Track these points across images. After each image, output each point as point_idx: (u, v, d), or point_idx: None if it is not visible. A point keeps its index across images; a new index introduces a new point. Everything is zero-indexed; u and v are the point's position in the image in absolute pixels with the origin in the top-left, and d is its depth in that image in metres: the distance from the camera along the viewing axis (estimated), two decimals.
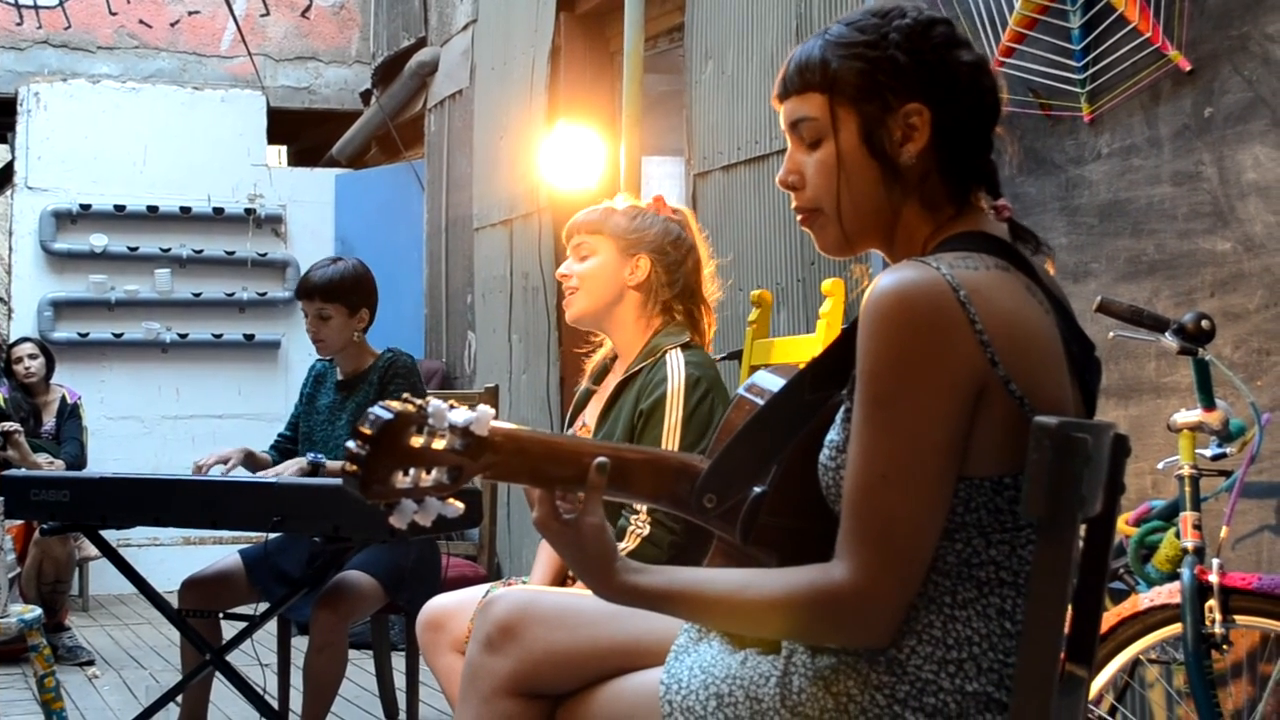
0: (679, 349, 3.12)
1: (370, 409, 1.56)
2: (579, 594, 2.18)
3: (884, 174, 1.79)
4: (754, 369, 2.80)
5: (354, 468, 1.53)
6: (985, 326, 1.63)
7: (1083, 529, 1.87)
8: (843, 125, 1.80)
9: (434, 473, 1.59)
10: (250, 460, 4.36)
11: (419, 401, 1.58)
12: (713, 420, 3.03)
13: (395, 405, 1.56)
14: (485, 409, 1.62)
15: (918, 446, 1.63)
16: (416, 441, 1.57)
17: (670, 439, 3.02)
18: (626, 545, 2.96)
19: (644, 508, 2.93)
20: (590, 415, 3.27)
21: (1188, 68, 3.39)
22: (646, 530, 2.95)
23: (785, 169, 1.86)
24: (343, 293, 4.46)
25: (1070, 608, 1.85)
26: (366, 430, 1.53)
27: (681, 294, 3.23)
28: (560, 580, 3.14)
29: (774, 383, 1.96)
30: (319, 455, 4.27)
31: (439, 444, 1.59)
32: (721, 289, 3.35)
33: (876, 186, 1.80)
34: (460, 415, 1.60)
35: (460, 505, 1.62)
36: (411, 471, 1.57)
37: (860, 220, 1.82)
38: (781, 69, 1.87)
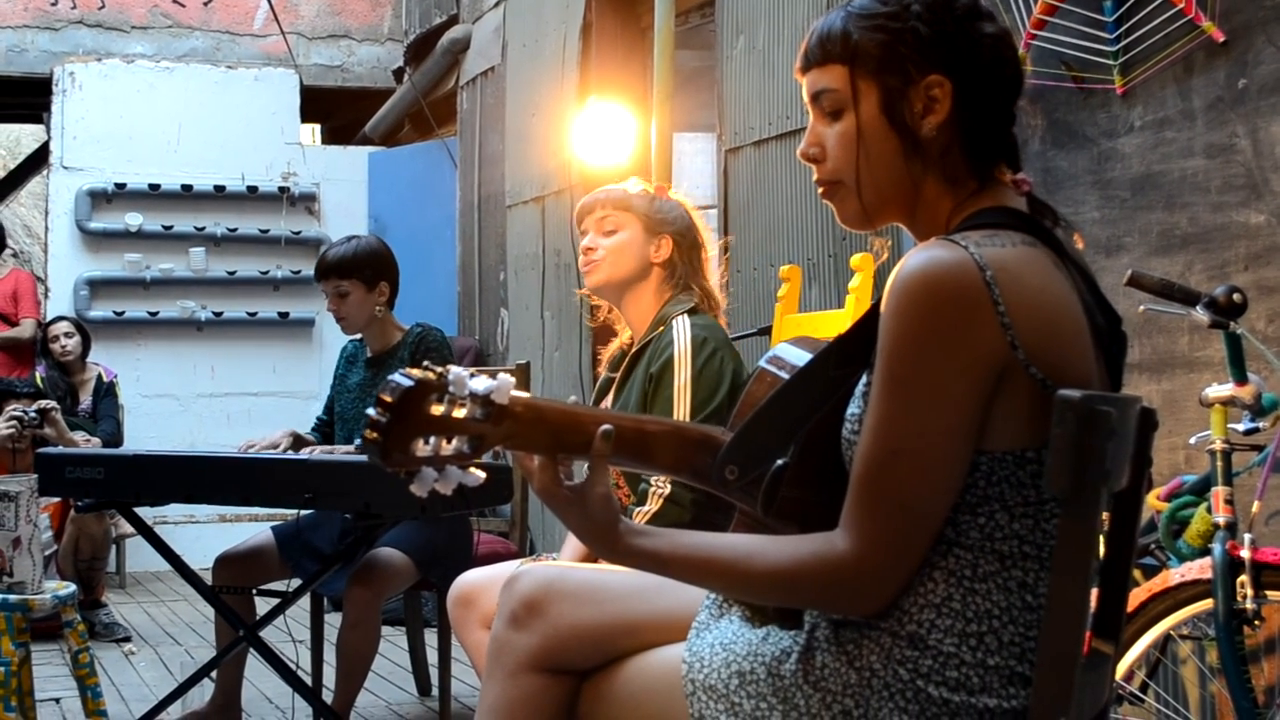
0: (685, 315, 3.20)
1: (391, 376, 1.55)
2: (605, 570, 2.18)
3: (904, 146, 1.78)
4: None
5: (374, 435, 1.53)
6: (1009, 309, 1.62)
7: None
8: (863, 97, 1.78)
9: (455, 441, 1.58)
10: (298, 443, 4.37)
11: (439, 369, 1.57)
12: (723, 377, 3.09)
13: (416, 373, 1.55)
14: (506, 377, 1.61)
15: (930, 427, 1.63)
16: (437, 409, 1.56)
17: (681, 398, 3.07)
18: (650, 508, 2.98)
19: None
20: (609, 404, 3.30)
21: (1221, 39, 3.36)
22: (667, 489, 2.97)
23: (806, 141, 1.85)
24: (357, 267, 4.46)
25: (1097, 583, 1.85)
26: (387, 398, 1.53)
27: (698, 275, 3.32)
28: (591, 556, 3.15)
29: (796, 355, 1.95)
30: None
31: (459, 412, 1.58)
32: (726, 272, 3.44)
33: (896, 159, 1.78)
34: (481, 383, 1.60)
35: (481, 474, 1.62)
36: (432, 440, 1.57)
37: (880, 193, 1.81)
38: (804, 41, 1.86)
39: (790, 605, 1.81)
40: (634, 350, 3.25)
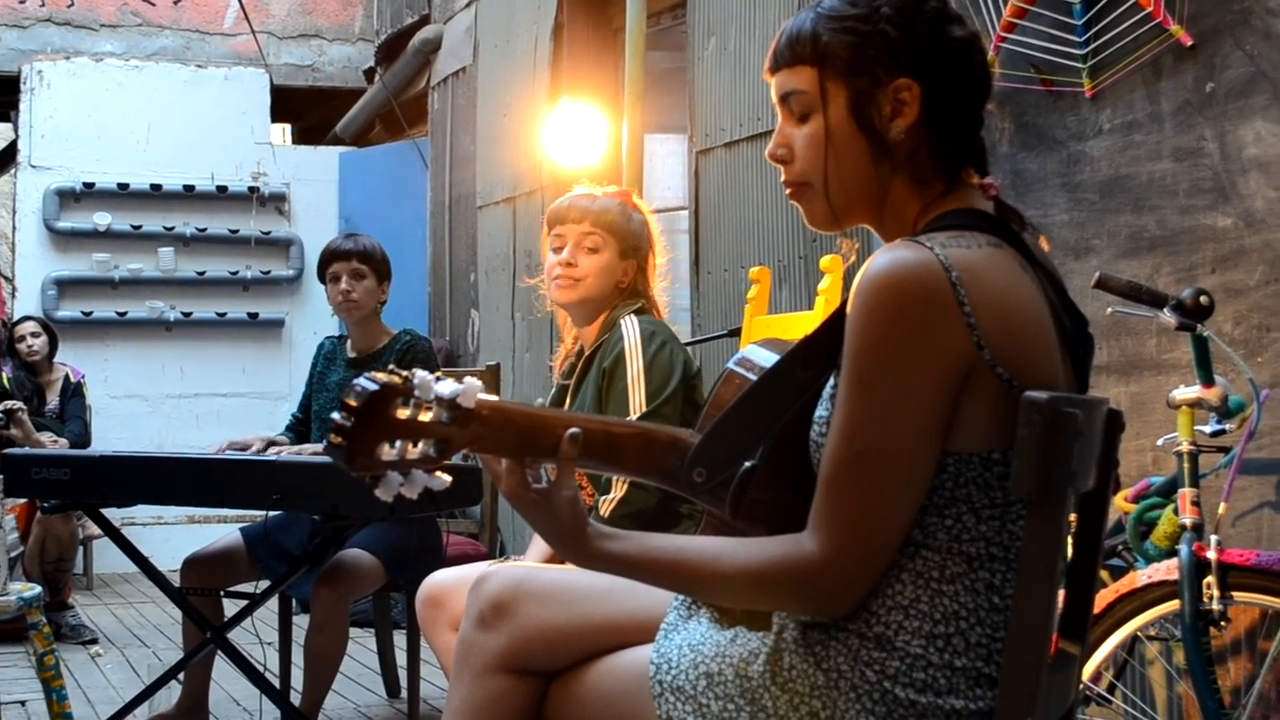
0: (632, 314, 3.28)
1: (356, 380, 1.55)
2: (573, 571, 2.17)
3: (872, 149, 1.78)
4: None
5: (339, 439, 1.52)
6: (974, 309, 1.62)
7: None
8: (832, 99, 1.78)
9: (420, 445, 1.58)
10: (271, 449, 4.35)
11: (405, 373, 1.57)
12: (674, 367, 3.17)
13: (381, 377, 1.54)
14: (472, 381, 1.61)
15: (897, 427, 1.63)
16: (403, 413, 1.56)
17: (635, 389, 3.14)
18: (615, 494, 3.01)
19: None
20: (567, 404, 3.34)
21: (1189, 42, 3.38)
22: None
23: (774, 142, 1.85)
24: (375, 259, 4.58)
25: (1064, 584, 1.85)
26: (352, 402, 1.52)
27: (648, 290, 3.42)
28: (558, 557, 3.16)
29: (764, 357, 1.95)
30: None
31: (425, 416, 1.57)
32: (667, 276, 3.53)
33: (865, 161, 1.78)
34: (447, 387, 1.59)
35: (447, 478, 1.61)
36: (398, 443, 1.56)
37: (848, 195, 1.81)
38: (773, 42, 1.86)
39: (759, 607, 1.81)
40: (587, 355, 3.33)
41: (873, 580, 1.68)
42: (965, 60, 1.79)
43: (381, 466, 1.56)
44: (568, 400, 3.33)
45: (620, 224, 3.34)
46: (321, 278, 4.61)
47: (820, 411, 1.77)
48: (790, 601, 1.72)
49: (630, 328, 3.23)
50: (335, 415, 1.53)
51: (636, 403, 3.11)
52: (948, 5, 1.81)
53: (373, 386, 1.53)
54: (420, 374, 1.57)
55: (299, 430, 4.68)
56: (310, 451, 4.25)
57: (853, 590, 1.68)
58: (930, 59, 1.77)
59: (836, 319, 1.79)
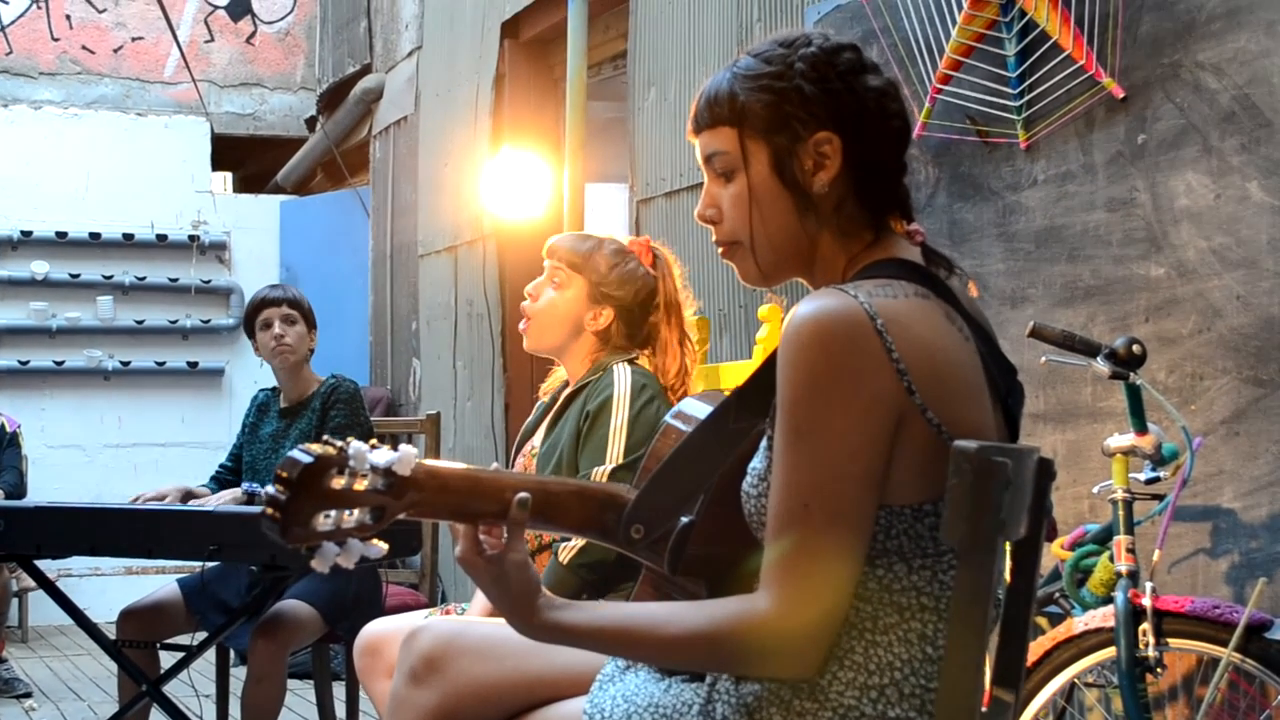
0: (625, 363, 3.15)
1: (290, 452, 1.54)
2: (508, 625, 2.16)
3: (797, 204, 1.78)
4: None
5: (274, 513, 1.51)
6: (902, 355, 1.62)
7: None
8: (753, 158, 1.79)
9: (356, 513, 1.57)
10: (189, 498, 4.31)
11: (339, 443, 1.56)
12: (658, 424, 3.04)
13: (315, 448, 1.53)
14: (407, 449, 1.60)
15: (839, 475, 1.62)
16: (338, 483, 1.55)
17: (616, 439, 3.03)
18: (575, 542, 2.93)
19: None
20: (539, 439, 3.26)
21: (1121, 95, 3.42)
22: None
23: (702, 203, 1.85)
24: (303, 307, 4.57)
25: (998, 632, 1.85)
26: (286, 474, 1.51)
27: (646, 349, 3.24)
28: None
29: (701, 410, 1.95)
30: (254, 485, 4.26)
31: (361, 485, 1.57)
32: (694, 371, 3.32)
33: (790, 217, 1.79)
34: (382, 456, 1.59)
35: (384, 545, 1.61)
36: (332, 513, 1.55)
37: (776, 251, 1.81)
38: (693, 103, 1.86)
39: (717, 671, 1.76)
40: (570, 390, 3.21)
41: (833, 632, 1.65)
42: (881, 109, 1.79)
43: (317, 538, 1.55)
44: (543, 430, 3.22)
45: (593, 264, 3.19)
46: (250, 328, 4.58)
47: (755, 463, 1.76)
48: (751, 664, 1.67)
49: (622, 375, 3.10)
50: (270, 489, 1.52)
51: (614, 453, 3.01)
52: (863, 56, 1.82)
53: (307, 459, 1.52)
54: (355, 444, 1.57)
55: (224, 481, 4.62)
56: (231, 498, 4.22)
57: (814, 645, 1.64)
58: (848, 111, 1.77)
59: (766, 369, 1.78)
